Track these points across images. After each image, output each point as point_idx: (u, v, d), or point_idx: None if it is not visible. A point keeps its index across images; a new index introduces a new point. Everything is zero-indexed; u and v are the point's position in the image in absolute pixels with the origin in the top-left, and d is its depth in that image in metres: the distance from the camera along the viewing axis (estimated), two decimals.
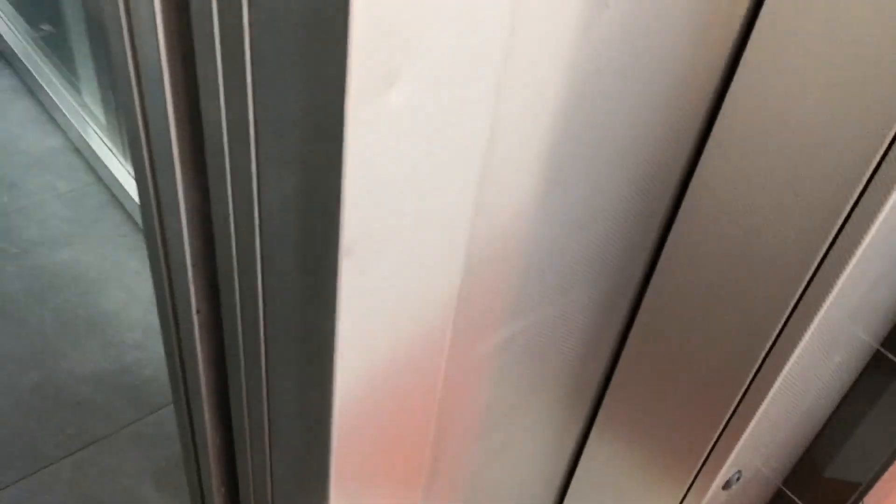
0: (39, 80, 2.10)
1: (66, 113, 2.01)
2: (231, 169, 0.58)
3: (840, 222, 0.66)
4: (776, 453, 1.04)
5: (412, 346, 0.61)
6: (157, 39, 0.57)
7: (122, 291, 1.71)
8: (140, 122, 0.67)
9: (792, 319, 0.73)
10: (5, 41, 2.25)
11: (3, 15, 2.31)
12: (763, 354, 0.77)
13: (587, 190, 0.66)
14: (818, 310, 0.71)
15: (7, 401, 1.52)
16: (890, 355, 1.00)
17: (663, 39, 0.60)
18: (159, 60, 0.58)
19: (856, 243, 0.65)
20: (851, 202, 0.64)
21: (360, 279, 0.52)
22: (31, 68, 2.14)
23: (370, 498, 0.74)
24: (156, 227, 0.75)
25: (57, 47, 2.17)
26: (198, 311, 0.76)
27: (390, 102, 0.45)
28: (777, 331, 0.75)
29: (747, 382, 0.80)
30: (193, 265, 0.72)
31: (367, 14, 0.40)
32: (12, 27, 2.26)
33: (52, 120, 2.10)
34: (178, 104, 0.62)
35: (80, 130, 1.96)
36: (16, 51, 2.20)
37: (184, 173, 0.66)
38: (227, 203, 0.60)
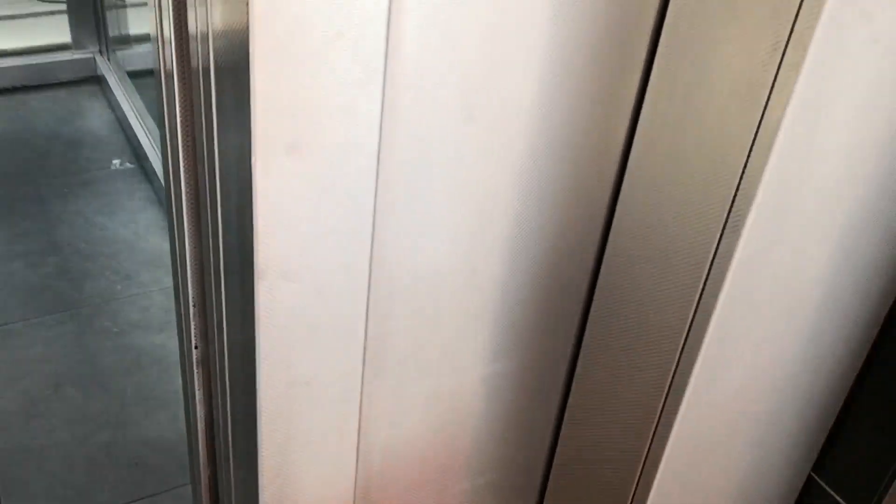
0: None
1: None
2: (211, 222, 0.79)
3: (695, 303, 0.79)
4: None
5: (327, 368, 0.78)
6: (179, 158, 0.81)
7: None
8: (174, 205, 0.90)
9: (667, 404, 0.85)
10: (150, 162, 2.65)
11: (153, 141, 2.73)
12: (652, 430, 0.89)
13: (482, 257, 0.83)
14: (685, 388, 0.83)
15: (78, 451, 1.75)
16: (821, 482, 1.08)
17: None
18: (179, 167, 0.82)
19: (705, 327, 0.79)
20: (703, 281, 0.78)
21: (272, 300, 0.71)
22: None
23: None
24: (178, 275, 0.96)
25: None
26: (196, 347, 0.96)
27: (288, 165, 0.65)
28: (659, 409, 0.87)
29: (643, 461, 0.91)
30: (194, 305, 0.93)
31: (265, 104, 0.61)
32: (159, 153, 2.67)
33: None
34: (189, 181, 0.84)
35: None
36: (157, 170, 2.59)
37: (190, 232, 0.88)
38: (209, 248, 0.81)
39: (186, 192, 0.85)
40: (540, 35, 0.70)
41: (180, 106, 0.81)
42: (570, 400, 0.99)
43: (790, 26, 0.63)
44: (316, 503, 0.90)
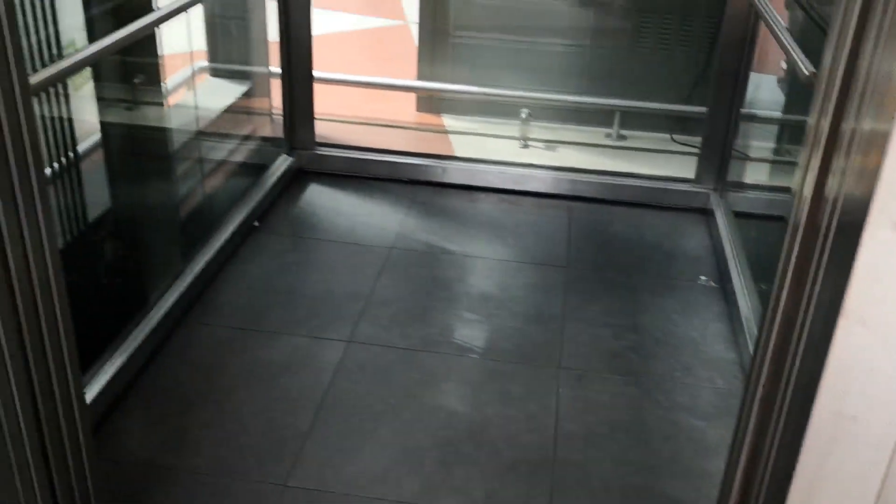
0: (739, 310, 2.79)
1: (748, 336, 2.63)
2: (810, 282, 1.07)
3: None
4: None
5: (873, 409, 0.99)
6: None
7: None
8: None
9: None
10: (732, 286, 3.00)
11: (740, 271, 3.08)
12: None
13: None
14: None
15: (618, 482, 2.13)
16: None
17: None
18: None
19: None
20: None
21: (846, 340, 0.96)
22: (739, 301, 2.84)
23: None
24: (763, 329, 1.26)
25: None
26: (762, 386, 1.24)
27: (890, 238, 0.90)
28: None
29: None
30: (769, 354, 1.21)
31: (885, 190, 0.89)
32: (742, 282, 3.00)
33: (734, 339, 2.76)
34: None
35: (749, 349, 2.56)
36: (736, 293, 2.93)
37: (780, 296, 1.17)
38: (802, 300, 1.09)
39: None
40: None
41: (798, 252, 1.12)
42: None
43: None
44: None
